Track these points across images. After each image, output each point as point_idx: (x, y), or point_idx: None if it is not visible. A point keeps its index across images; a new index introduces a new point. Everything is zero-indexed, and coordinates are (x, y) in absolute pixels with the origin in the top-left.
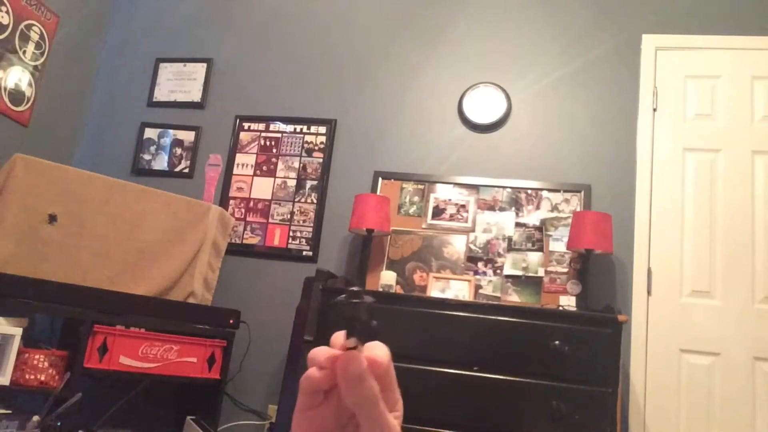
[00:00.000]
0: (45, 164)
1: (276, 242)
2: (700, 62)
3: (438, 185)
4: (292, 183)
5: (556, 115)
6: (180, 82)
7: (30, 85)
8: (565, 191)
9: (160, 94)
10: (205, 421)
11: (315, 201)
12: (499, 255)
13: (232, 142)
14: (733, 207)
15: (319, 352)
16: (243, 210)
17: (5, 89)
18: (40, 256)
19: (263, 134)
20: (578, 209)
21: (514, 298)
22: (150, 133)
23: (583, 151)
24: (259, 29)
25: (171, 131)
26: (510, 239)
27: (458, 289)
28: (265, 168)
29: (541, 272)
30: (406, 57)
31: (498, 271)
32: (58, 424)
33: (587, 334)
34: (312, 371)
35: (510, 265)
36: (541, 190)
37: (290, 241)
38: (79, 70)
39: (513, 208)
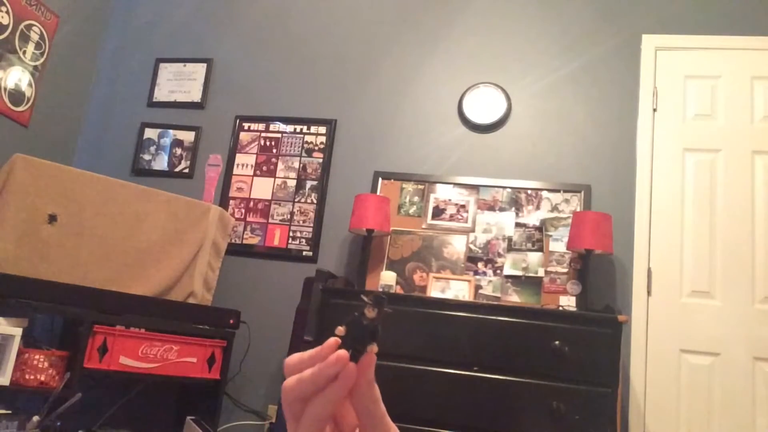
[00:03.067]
0: (45, 164)
1: (276, 242)
2: (700, 62)
3: (438, 185)
4: (292, 183)
5: (556, 116)
6: (180, 82)
7: (30, 85)
8: (565, 191)
9: (160, 95)
10: (205, 421)
11: (315, 201)
12: (499, 255)
13: (232, 142)
14: (733, 207)
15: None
16: (243, 210)
17: (5, 89)
18: (40, 256)
19: (263, 134)
20: (578, 209)
21: (514, 298)
22: (150, 133)
23: (582, 151)
24: (259, 29)
25: (171, 131)
26: (510, 239)
27: (458, 290)
28: (265, 168)
29: (541, 272)
30: (406, 57)
31: (498, 272)
32: (58, 424)
33: (587, 334)
34: (289, 381)
35: (510, 266)
36: (541, 190)
37: (290, 241)
38: (79, 70)
39: (513, 209)
